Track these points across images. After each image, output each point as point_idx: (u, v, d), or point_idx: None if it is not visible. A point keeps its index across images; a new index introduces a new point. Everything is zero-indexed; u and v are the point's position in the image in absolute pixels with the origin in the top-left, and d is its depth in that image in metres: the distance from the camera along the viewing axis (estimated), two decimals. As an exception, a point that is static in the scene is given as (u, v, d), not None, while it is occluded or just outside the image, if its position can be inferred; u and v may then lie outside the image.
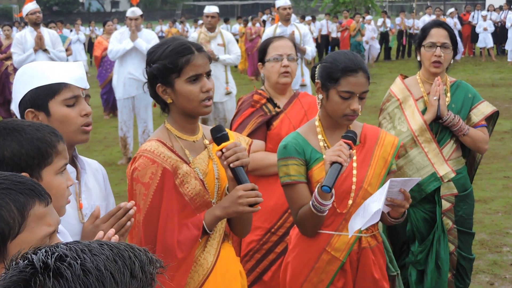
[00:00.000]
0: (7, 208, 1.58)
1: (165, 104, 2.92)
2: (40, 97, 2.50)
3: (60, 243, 1.21)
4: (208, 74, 2.88)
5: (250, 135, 4.18)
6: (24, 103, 2.53)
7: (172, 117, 2.94)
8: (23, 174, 2.06)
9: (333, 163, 2.94)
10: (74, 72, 2.56)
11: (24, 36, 10.35)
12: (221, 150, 2.81)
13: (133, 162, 2.88)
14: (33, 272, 1.14)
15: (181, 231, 2.84)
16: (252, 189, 2.82)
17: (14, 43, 10.51)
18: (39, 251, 1.18)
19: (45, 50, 10.20)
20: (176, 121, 2.93)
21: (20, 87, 2.55)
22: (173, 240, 2.81)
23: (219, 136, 2.83)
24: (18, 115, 2.59)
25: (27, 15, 10.36)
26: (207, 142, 2.98)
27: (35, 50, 10.16)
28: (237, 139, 3.08)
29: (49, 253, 1.16)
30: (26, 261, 1.16)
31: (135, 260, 1.19)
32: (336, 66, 3.14)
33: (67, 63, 2.63)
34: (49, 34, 10.44)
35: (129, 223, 2.51)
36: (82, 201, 2.61)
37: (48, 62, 2.66)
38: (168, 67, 2.81)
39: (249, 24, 24.61)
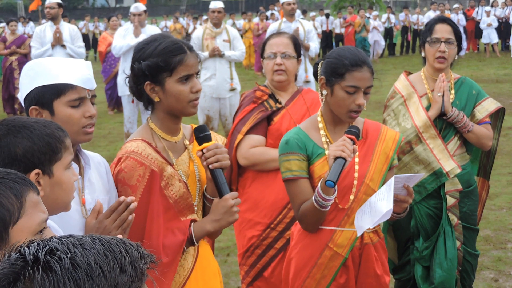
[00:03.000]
0: (5, 195, 1.62)
1: (149, 102, 2.87)
2: (46, 96, 2.50)
3: (53, 237, 1.22)
4: (197, 74, 2.85)
5: (250, 130, 4.19)
6: (29, 100, 2.53)
7: (156, 116, 2.89)
8: (36, 170, 2.08)
9: (336, 158, 2.94)
10: (81, 73, 2.54)
11: (43, 31, 10.34)
12: (201, 150, 2.80)
13: (118, 163, 2.80)
14: (23, 265, 1.16)
15: (166, 235, 2.80)
16: (236, 197, 2.83)
17: (34, 37, 10.52)
18: (32, 244, 1.19)
19: (63, 46, 10.18)
20: (160, 121, 2.88)
21: (26, 82, 2.55)
22: (158, 244, 2.78)
23: (201, 136, 2.82)
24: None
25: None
26: (187, 142, 2.95)
27: (53, 45, 10.15)
28: (215, 138, 3.00)
29: (41, 246, 1.18)
30: (17, 254, 1.18)
31: (126, 255, 1.20)
32: (340, 62, 3.14)
33: (75, 62, 2.60)
34: (69, 29, 10.40)
35: (130, 217, 2.52)
36: (85, 196, 2.61)
37: (57, 59, 2.64)
38: (160, 65, 2.76)
39: (257, 19, 24.62)
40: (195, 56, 2.83)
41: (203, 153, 2.79)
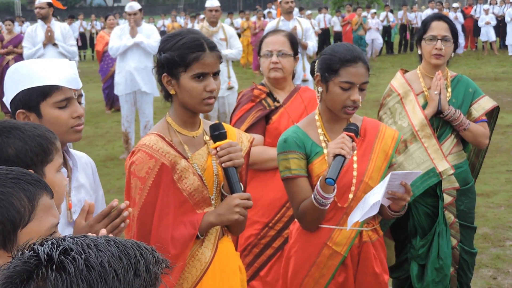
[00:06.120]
0: (17, 196, 1.61)
1: (168, 95, 2.92)
2: (32, 99, 2.49)
3: (67, 236, 1.21)
4: (216, 73, 2.86)
5: (248, 129, 4.18)
6: (15, 103, 2.52)
7: (174, 109, 2.93)
8: (29, 171, 2.06)
9: (336, 155, 2.93)
10: (66, 73, 2.53)
11: (34, 30, 10.28)
12: (215, 148, 2.83)
13: (131, 156, 2.88)
14: (37, 263, 1.15)
15: (177, 228, 2.83)
16: (248, 199, 2.84)
17: (26, 37, 10.46)
18: (45, 243, 1.18)
19: (55, 45, 10.14)
20: (178, 114, 2.92)
21: (11, 86, 2.53)
22: (167, 236, 2.81)
23: (216, 134, 2.85)
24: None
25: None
26: (207, 138, 2.97)
27: (44, 45, 10.11)
28: (239, 136, 3.08)
29: (55, 245, 1.17)
30: (31, 252, 1.17)
31: (141, 259, 1.19)
32: (335, 57, 3.13)
33: (60, 63, 2.59)
34: (60, 27, 10.35)
35: (123, 224, 2.49)
36: (71, 199, 2.60)
37: (40, 61, 2.63)
38: (176, 60, 2.80)
39: (254, 18, 24.64)
40: (215, 56, 2.85)
41: (217, 152, 2.82)
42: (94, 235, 1.24)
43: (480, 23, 25.11)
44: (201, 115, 3.05)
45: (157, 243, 2.78)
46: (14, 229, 1.60)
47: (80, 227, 2.51)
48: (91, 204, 2.56)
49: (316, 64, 3.25)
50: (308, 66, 9.61)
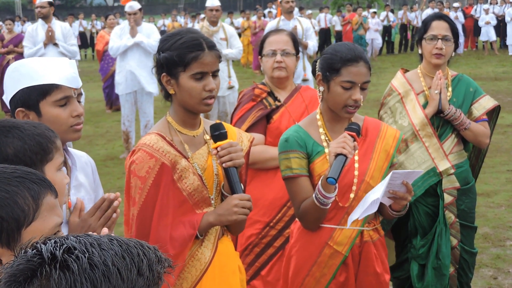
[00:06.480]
0: (22, 195, 1.60)
1: (169, 94, 2.91)
2: (31, 98, 2.48)
3: (70, 235, 1.21)
4: (215, 73, 2.86)
5: (249, 128, 4.18)
6: (15, 102, 2.51)
7: (173, 109, 2.93)
8: None
9: (337, 155, 2.93)
10: (66, 72, 2.53)
11: (35, 30, 10.25)
12: (216, 148, 2.82)
13: (131, 155, 2.87)
14: (40, 262, 1.15)
15: (176, 228, 2.83)
16: (248, 200, 2.83)
17: (26, 37, 10.44)
18: (48, 241, 1.18)
19: (55, 44, 10.13)
20: (177, 114, 2.92)
21: (11, 85, 2.53)
22: (166, 236, 2.81)
23: (216, 134, 2.84)
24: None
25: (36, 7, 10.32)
26: (207, 137, 2.96)
27: (45, 44, 10.10)
28: (239, 136, 3.07)
29: (58, 244, 1.17)
30: (34, 251, 1.17)
31: (144, 258, 1.19)
32: (336, 57, 3.13)
33: (59, 61, 2.59)
34: (61, 27, 10.32)
35: (114, 215, 2.50)
36: (71, 197, 2.60)
37: (40, 59, 2.62)
38: (174, 60, 2.80)
39: (255, 18, 24.66)
40: (214, 55, 2.84)
41: (218, 152, 2.81)
42: (96, 234, 1.24)
43: (480, 23, 25.11)
44: (201, 114, 3.04)
45: (156, 243, 2.77)
46: (18, 228, 1.60)
47: (75, 224, 2.51)
48: (82, 201, 2.57)
49: (317, 63, 3.25)
50: (308, 66, 9.60)
